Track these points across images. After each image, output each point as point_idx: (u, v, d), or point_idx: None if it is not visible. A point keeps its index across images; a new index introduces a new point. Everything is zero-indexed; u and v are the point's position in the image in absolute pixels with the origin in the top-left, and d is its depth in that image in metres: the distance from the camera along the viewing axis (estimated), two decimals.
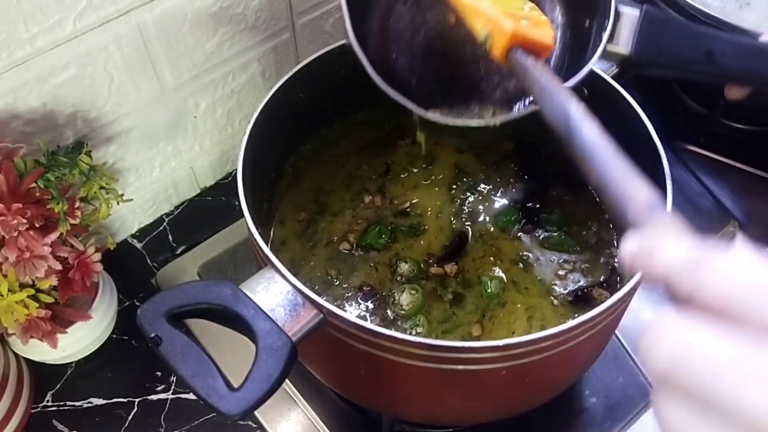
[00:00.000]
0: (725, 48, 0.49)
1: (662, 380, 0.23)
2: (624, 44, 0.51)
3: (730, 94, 0.53)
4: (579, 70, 0.51)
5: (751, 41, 0.50)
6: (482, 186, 0.68)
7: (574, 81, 0.50)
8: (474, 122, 0.52)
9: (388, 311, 0.59)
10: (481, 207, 0.67)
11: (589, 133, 0.33)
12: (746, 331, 0.22)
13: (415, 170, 0.69)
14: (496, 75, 0.56)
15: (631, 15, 0.51)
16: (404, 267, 0.61)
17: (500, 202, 0.67)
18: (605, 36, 0.50)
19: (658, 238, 0.26)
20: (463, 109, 0.54)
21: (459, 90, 0.56)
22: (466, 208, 0.66)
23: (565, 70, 0.54)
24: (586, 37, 0.53)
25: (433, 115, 0.51)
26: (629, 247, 0.26)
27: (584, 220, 0.65)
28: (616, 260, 0.63)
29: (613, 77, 0.59)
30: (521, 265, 0.62)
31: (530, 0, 0.49)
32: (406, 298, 0.59)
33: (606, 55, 0.51)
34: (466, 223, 0.65)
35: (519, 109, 0.53)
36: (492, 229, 0.65)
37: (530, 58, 0.42)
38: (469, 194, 0.67)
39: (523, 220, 0.65)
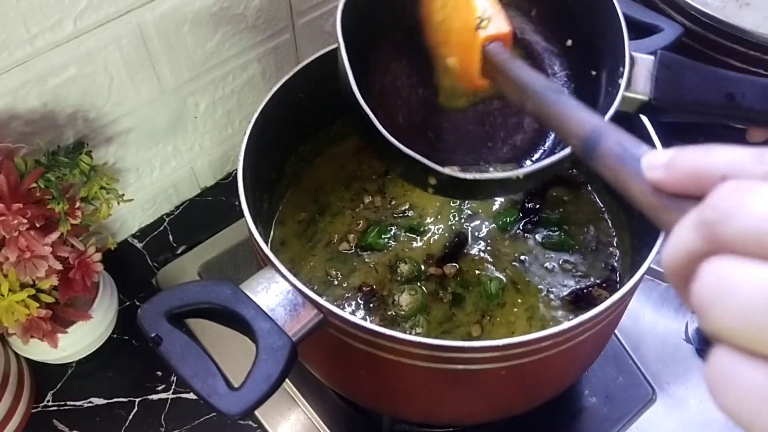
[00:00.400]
0: (746, 90, 0.48)
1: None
2: (642, 90, 0.50)
3: (753, 138, 0.53)
4: None
5: None
6: None
7: None
8: (498, 175, 0.47)
9: (388, 311, 0.59)
10: (480, 207, 0.67)
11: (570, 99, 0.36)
12: None
13: None
14: (502, 131, 0.55)
15: (646, 60, 0.50)
16: (404, 267, 0.62)
17: (500, 202, 0.67)
18: (623, 83, 0.49)
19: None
20: (473, 168, 0.52)
21: (463, 149, 0.54)
22: (465, 208, 0.66)
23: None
24: (594, 88, 0.52)
25: (451, 171, 0.47)
26: (666, 153, 0.24)
27: (584, 220, 0.66)
28: (615, 260, 0.63)
29: None
30: (521, 265, 0.62)
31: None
32: (405, 299, 0.59)
33: (624, 103, 0.49)
34: (466, 224, 0.65)
35: (542, 158, 0.51)
36: (492, 229, 0.65)
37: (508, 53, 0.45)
38: None
39: (523, 221, 0.65)
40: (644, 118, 0.55)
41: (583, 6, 0.52)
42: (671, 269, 0.22)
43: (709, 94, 0.49)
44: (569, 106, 0.35)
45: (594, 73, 0.52)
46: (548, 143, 0.55)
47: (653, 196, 0.25)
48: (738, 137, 0.54)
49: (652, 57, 0.50)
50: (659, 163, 0.24)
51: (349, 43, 0.47)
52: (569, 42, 0.54)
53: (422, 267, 0.62)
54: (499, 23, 0.46)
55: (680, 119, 0.52)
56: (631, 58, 0.49)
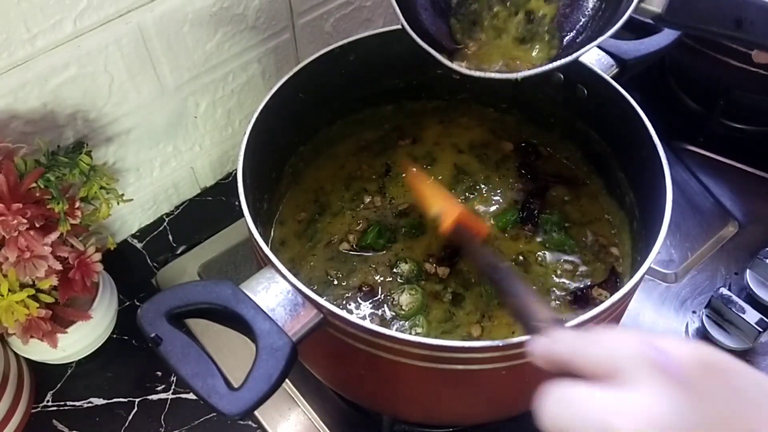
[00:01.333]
0: (755, 16, 0.49)
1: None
2: (657, 3, 0.51)
3: (758, 59, 0.55)
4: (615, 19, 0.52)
5: None
6: (482, 186, 0.68)
7: (610, 32, 0.51)
8: (497, 75, 0.53)
9: (388, 311, 0.59)
10: (481, 207, 0.67)
11: (512, 276, 0.44)
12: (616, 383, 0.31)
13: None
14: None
15: None
16: (404, 267, 0.62)
17: (500, 202, 0.67)
18: None
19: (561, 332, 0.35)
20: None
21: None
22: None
23: (603, 18, 0.55)
24: None
25: (458, 67, 0.53)
26: (540, 341, 0.35)
27: (584, 220, 0.65)
28: (615, 260, 0.63)
29: (613, 77, 0.60)
30: (521, 265, 0.62)
31: None
32: (405, 299, 0.59)
33: (639, 10, 0.51)
34: None
35: (541, 66, 0.54)
36: (492, 229, 0.65)
37: (469, 232, 0.52)
38: (469, 194, 0.67)
39: (523, 221, 0.65)
40: (646, 121, 0.55)
41: None
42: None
43: (719, 19, 0.50)
44: (505, 280, 0.44)
45: None
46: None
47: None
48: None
49: None
50: (539, 346, 0.36)
51: None
52: None
53: (422, 267, 0.62)
54: (448, 214, 0.52)
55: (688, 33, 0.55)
56: None
